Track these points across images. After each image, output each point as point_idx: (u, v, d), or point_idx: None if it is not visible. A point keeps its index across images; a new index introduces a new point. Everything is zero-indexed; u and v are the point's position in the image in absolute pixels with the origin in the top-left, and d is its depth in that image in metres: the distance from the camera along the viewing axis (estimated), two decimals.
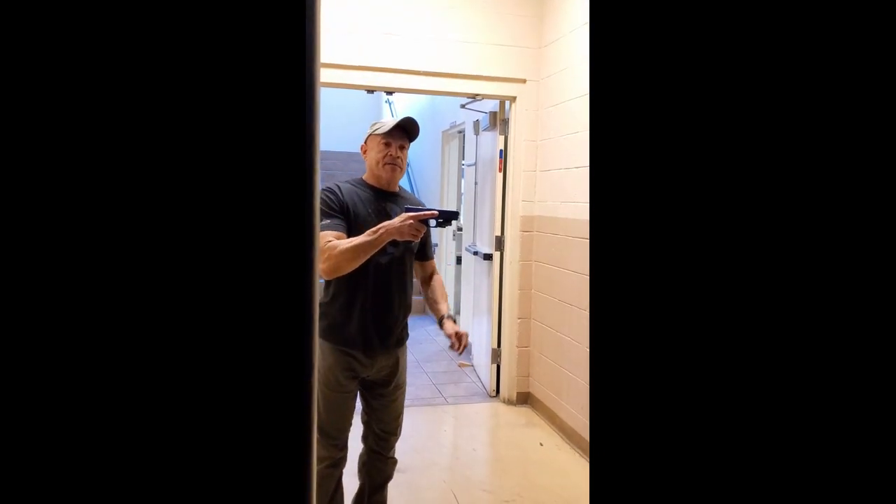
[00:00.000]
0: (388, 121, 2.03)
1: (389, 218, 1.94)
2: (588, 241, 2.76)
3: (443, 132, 6.43)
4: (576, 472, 3.06)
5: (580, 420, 3.30)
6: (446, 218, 1.92)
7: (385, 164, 2.00)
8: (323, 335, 1.98)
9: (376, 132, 2.02)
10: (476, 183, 4.80)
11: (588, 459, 2.98)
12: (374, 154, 2.02)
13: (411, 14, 3.69)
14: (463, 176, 6.08)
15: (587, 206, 3.07)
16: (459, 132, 5.96)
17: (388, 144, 2.00)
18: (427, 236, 2.10)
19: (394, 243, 1.95)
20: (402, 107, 8.14)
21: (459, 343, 2.04)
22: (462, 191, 6.23)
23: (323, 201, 1.93)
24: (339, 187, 1.99)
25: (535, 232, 3.95)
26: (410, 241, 1.97)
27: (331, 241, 1.84)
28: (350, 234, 1.90)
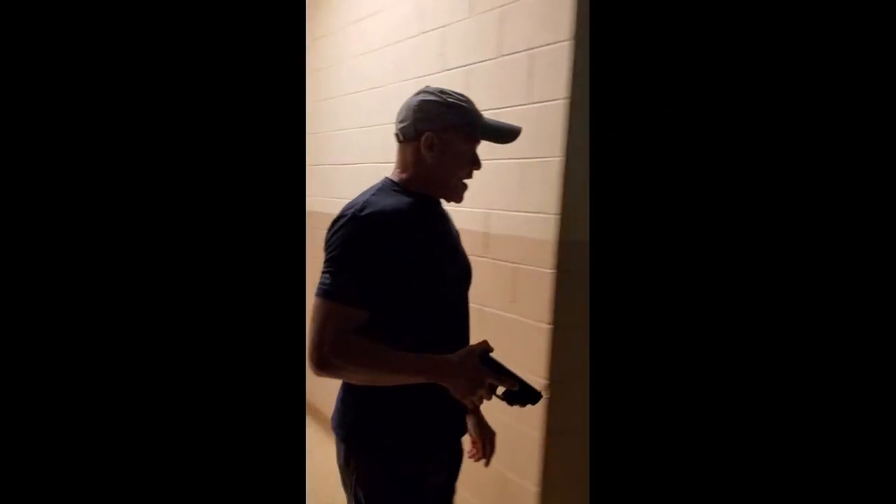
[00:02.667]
0: (485, 115, 1.27)
1: (452, 241, 1.31)
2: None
3: None
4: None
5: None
6: (522, 399, 1.18)
7: (464, 182, 1.29)
8: None
9: (466, 128, 1.24)
10: None
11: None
12: (452, 162, 1.24)
13: None
14: None
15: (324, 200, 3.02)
16: None
17: (475, 156, 1.27)
18: None
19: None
20: None
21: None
22: None
23: (352, 243, 1.12)
24: (386, 227, 1.13)
25: None
26: None
27: (342, 337, 1.09)
28: (410, 283, 1.15)
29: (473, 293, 1.37)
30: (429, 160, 1.23)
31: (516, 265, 1.98)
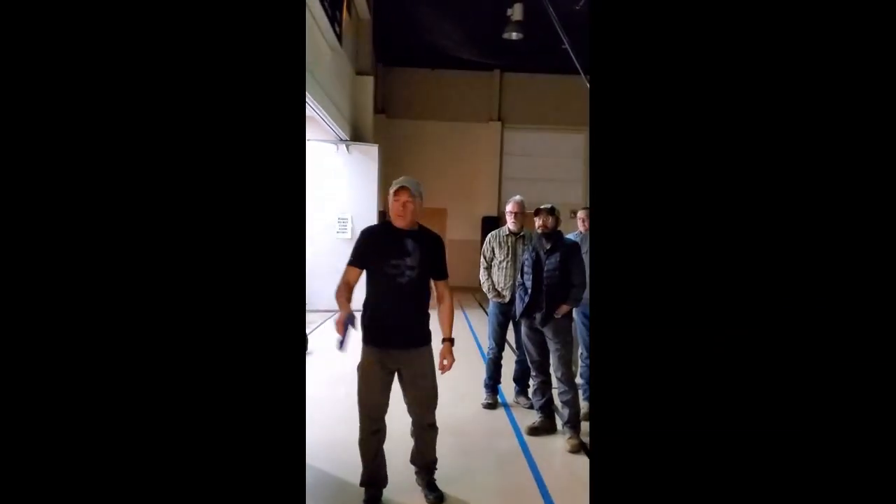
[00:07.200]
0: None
1: (404, 250, 2.57)
2: None
3: None
4: None
5: None
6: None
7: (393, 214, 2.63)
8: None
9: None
10: None
11: None
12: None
13: None
14: None
15: None
16: None
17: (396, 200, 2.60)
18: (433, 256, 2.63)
19: (410, 266, 2.56)
20: None
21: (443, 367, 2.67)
22: None
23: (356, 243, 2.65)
24: (364, 233, 2.66)
25: None
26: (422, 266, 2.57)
27: (343, 280, 2.60)
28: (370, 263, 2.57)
29: None
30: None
31: None
